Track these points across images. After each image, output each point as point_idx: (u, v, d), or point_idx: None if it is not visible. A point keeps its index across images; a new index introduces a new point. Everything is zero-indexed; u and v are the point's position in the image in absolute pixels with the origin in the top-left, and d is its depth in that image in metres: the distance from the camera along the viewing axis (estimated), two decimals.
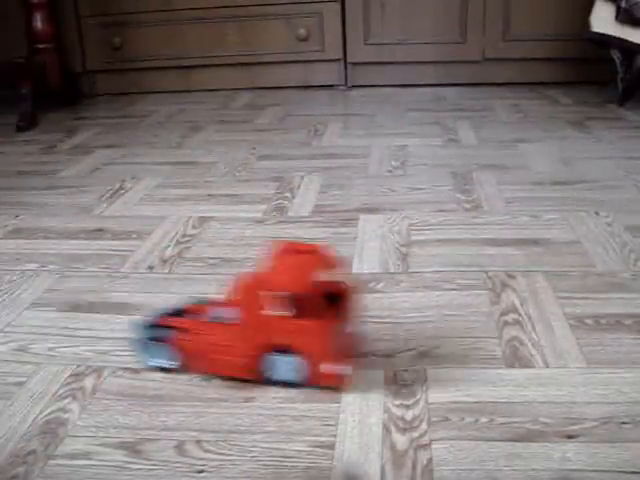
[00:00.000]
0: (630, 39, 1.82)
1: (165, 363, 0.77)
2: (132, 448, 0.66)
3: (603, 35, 1.86)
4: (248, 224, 1.20)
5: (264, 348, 0.72)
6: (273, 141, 1.75)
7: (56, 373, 0.78)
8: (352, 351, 0.76)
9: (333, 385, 0.72)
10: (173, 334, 0.75)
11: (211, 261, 1.06)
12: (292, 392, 0.73)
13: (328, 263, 0.74)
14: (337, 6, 2.26)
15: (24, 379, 0.78)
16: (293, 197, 1.33)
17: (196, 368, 0.76)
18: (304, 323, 0.70)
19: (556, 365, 0.75)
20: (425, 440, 0.65)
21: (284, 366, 0.72)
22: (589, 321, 0.84)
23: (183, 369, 0.76)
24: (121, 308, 0.93)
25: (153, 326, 0.77)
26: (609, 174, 1.37)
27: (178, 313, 0.79)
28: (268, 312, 0.70)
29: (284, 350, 0.71)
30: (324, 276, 0.73)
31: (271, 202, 1.30)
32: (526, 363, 0.76)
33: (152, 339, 0.77)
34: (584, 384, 0.72)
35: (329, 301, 0.73)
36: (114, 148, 1.75)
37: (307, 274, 0.71)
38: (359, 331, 0.72)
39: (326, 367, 0.71)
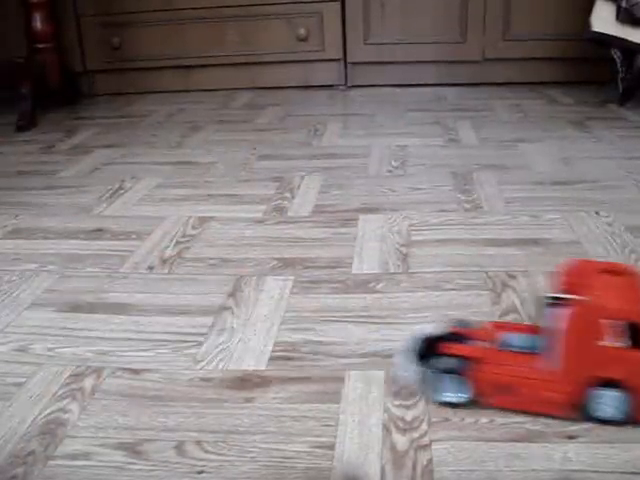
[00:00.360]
0: (630, 39, 1.82)
1: (455, 397, 0.69)
2: (132, 449, 0.66)
3: (603, 35, 1.86)
4: (248, 224, 1.20)
5: (589, 382, 0.65)
6: (273, 141, 1.74)
7: (56, 373, 0.78)
8: None
9: None
10: (468, 365, 0.68)
11: (211, 261, 1.06)
12: (292, 392, 0.73)
13: None
14: (337, 6, 2.26)
15: (24, 379, 0.77)
16: (293, 197, 1.32)
17: (494, 402, 0.68)
18: None
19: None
20: (425, 441, 0.65)
21: (612, 402, 0.65)
22: None
23: (475, 402, 0.68)
24: (121, 308, 0.93)
25: (435, 355, 0.69)
26: (609, 174, 1.37)
27: (453, 338, 0.71)
28: (605, 343, 0.63)
29: (610, 385, 0.64)
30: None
31: (271, 202, 1.30)
32: None
33: (444, 371, 0.68)
34: None
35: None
36: (114, 148, 1.75)
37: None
38: None
39: None
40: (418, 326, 0.78)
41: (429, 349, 0.70)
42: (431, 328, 0.73)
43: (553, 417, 0.65)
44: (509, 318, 0.85)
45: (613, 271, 0.67)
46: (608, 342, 0.63)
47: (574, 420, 0.66)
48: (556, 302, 0.67)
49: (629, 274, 0.67)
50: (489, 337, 0.71)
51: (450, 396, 0.69)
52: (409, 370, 0.70)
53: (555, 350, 0.65)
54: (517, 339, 0.71)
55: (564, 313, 0.64)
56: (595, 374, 0.64)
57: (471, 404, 0.69)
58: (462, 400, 0.69)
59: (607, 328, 0.63)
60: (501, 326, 0.75)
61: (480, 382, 0.68)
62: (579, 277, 0.68)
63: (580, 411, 0.66)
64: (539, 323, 0.70)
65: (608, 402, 0.65)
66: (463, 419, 0.67)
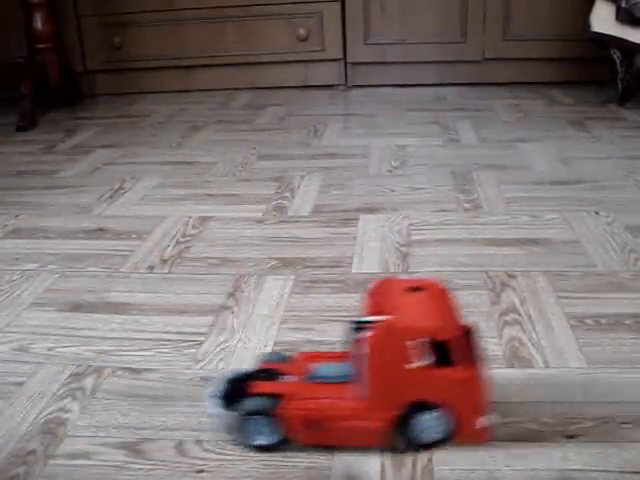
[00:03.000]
0: (630, 39, 1.82)
1: (266, 439, 0.64)
2: (132, 448, 0.66)
3: (603, 35, 1.86)
4: (248, 224, 1.20)
5: (403, 407, 0.61)
6: (273, 141, 1.75)
7: (56, 373, 0.78)
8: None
9: (482, 441, 0.63)
10: (276, 403, 0.63)
11: (211, 261, 1.06)
12: None
13: (451, 299, 0.64)
14: (337, 6, 2.26)
15: (24, 379, 0.78)
16: (293, 197, 1.33)
17: (306, 440, 0.64)
18: (458, 374, 0.60)
19: (556, 365, 0.75)
20: None
21: (431, 424, 0.62)
22: (589, 321, 0.84)
23: (288, 442, 0.64)
24: (121, 308, 0.93)
25: (242, 396, 0.64)
26: (609, 174, 1.37)
27: (261, 375, 0.66)
28: (412, 364, 0.60)
29: (424, 406, 0.61)
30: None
31: (271, 202, 1.30)
32: (526, 363, 0.76)
33: (252, 413, 0.63)
34: (584, 384, 0.72)
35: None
36: (114, 148, 1.75)
37: (450, 315, 0.62)
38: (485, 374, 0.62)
39: (481, 421, 0.62)
40: (228, 368, 0.75)
41: (237, 390, 0.65)
42: (240, 369, 0.69)
43: (372, 448, 0.62)
44: (509, 318, 0.85)
45: (419, 287, 0.63)
46: (415, 363, 0.59)
47: (390, 450, 0.63)
48: (361, 326, 0.62)
49: (435, 289, 0.63)
50: (299, 370, 0.66)
51: (261, 439, 0.63)
52: (217, 415, 0.65)
53: (363, 377, 0.61)
54: (328, 369, 0.65)
55: (366, 337, 0.59)
56: (406, 398, 0.61)
57: (285, 445, 0.64)
58: (274, 442, 0.63)
59: (412, 348, 0.59)
60: (311, 357, 0.68)
61: (289, 420, 0.62)
62: (384, 297, 0.63)
63: (399, 438, 0.62)
64: (348, 349, 0.64)
65: (429, 424, 0.62)
66: None
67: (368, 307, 0.64)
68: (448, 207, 1.24)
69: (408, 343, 0.59)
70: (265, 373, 0.66)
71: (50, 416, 0.71)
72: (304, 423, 0.62)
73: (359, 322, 0.63)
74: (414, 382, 0.60)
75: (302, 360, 0.68)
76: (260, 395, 0.63)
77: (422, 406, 0.61)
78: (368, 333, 0.60)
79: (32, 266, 1.07)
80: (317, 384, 0.64)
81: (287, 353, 0.70)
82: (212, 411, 0.65)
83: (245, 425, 0.63)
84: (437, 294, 0.63)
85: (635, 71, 1.86)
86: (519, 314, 0.86)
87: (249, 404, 0.63)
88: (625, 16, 1.80)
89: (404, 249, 1.07)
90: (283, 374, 0.66)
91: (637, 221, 1.13)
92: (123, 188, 1.43)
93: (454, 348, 0.60)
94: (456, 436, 0.62)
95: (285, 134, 1.81)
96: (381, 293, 0.64)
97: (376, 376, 0.60)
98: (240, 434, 0.64)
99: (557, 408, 0.68)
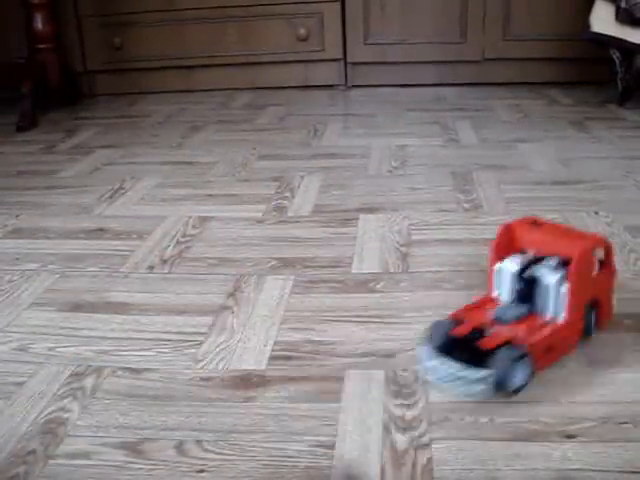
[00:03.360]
0: (630, 39, 1.82)
1: (522, 379, 0.70)
2: (132, 448, 0.66)
3: (603, 35, 1.86)
4: (248, 224, 1.20)
5: (585, 309, 0.78)
6: (273, 141, 1.75)
7: (56, 373, 0.78)
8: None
9: (611, 319, 0.82)
10: (524, 344, 0.70)
11: (211, 261, 1.06)
12: (292, 392, 0.73)
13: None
14: (337, 6, 2.26)
15: (24, 379, 0.78)
16: (293, 197, 1.33)
17: (542, 365, 0.73)
18: (611, 274, 0.81)
19: (556, 365, 0.75)
20: (425, 440, 0.65)
21: (593, 318, 0.79)
22: None
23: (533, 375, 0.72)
24: (121, 308, 0.93)
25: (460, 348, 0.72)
26: (609, 174, 1.37)
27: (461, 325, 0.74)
28: (594, 272, 0.78)
29: (594, 305, 0.79)
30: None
31: (271, 202, 1.31)
32: None
33: (515, 360, 0.69)
34: (584, 384, 0.72)
35: None
36: (114, 148, 1.75)
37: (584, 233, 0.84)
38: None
39: (612, 306, 0.82)
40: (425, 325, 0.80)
41: (451, 343, 0.72)
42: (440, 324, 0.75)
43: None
44: None
45: (536, 222, 0.82)
46: (594, 271, 0.77)
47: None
48: (528, 267, 0.77)
49: (544, 221, 0.83)
50: (483, 317, 0.76)
51: (518, 380, 0.70)
52: (433, 368, 0.71)
53: (554, 305, 0.76)
54: (507, 310, 0.76)
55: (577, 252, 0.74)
56: (586, 301, 0.77)
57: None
58: (527, 379, 0.71)
59: (594, 259, 0.77)
60: (482, 304, 0.81)
61: (536, 354, 0.71)
62: (520, 236, 0.81)
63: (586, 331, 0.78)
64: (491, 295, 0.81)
65: (591, 319, 0.79)
66: (463, 418, 0.68)
67: (500, 252, 0.80)
68: (448, 207, 1.24)
69: (594, 255, 0.76)
70: (459, 321, 0.76)
71: (50, 416, 0.71)
72: (544, 351, 0.73)
73: (522, 268, 0.77)
74: (593, 287, 0.78)
75: (482, 307, 0.79)
76: (504, 344, 0.70)
77: (593, 305, 0.78)
78: (580, 248, 0.74)
79: (32, 266, 1.07)
80: (516, 322, 0.75)
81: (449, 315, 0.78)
82: (428, 364, 0.72)
83: (504, 373, 0.68)
84: (552, 224, 0.84)
85: (635, 71, 1.87)
86: None
87: (509, 353, 0.69)
88: (625, 16, 1.81)
89: (404, 249, 1.07)
90: (477, 320, 0.76)
91: (637, 221, 1.13)
92: (123, 188, 1.43)
93: (608, 254, 0.79)
94: (601, 321, 0.80)
95: (285, 134, 1.81)
96: (511, 237, 0.81)
97: (577, 286, 0.74)
98: (498, 381, 0.69)
99: (557, 408, 0.68)
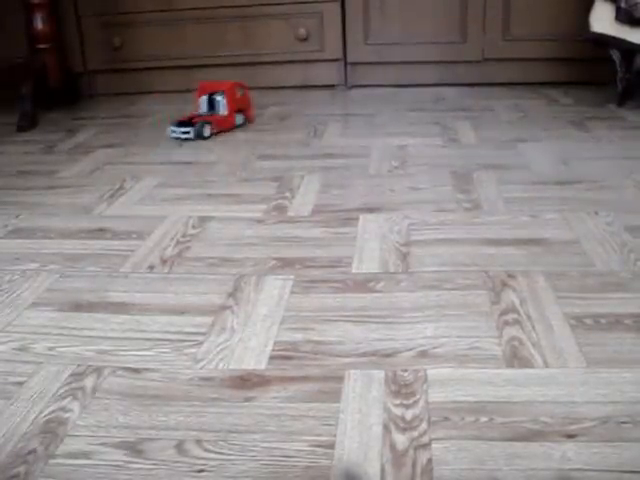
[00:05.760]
0: (629, 39, 1.83)
1: None
2: (132, 448, 0.66)
3: (603, 35, 1.86)
4: (248, 224, 1.20)
5: None
6: (273, 141, 1.75)
7: (56, 373, 0.78)
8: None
9: None
10: None
11: (211, 261, 1.06)
12: (292, 392, 0.73)
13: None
14: (337, 6, 2.26)
15: (24, 379, 0.78)
16: (293, 197, 1.33)
17: None
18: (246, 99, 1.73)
19: (556, 365, 0.76)
20: (425, 440, 0.65)
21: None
22: (589, 321, 0.84)
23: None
24: (121, 308, 0.93)
25: None
26: (609, 174, 1.37)
27: None
28: None
29: None
30: None
31: (271, 202, 1.31)
32: (526, 363, 0.76)
33: None
34: (584, 384, 0.72)
35: None
36: (114, 148, 1.75)
37: None
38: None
39: None
40: None
41: None
42: None
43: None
44: (509, 318, 0.86)
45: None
46: None
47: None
48: None
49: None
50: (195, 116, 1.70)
51: (207, 132, 1.61)
52: None
53: (221, 108, 1.80)
54: (201, 112, 1.84)
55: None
56: None
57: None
58: (211, 133, 1.61)
59: None
60: (194, 114, 1.72)
61: (213, 123, 1.75)
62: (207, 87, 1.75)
63: None
64: None
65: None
66: (463, 418, 0.68)
67: (202, 92, 1.69)
68: (448, 207, 1.24)
69: (236, 89, 1.61)
70: None
71: (50, 416, 0.71)
72: (216, 124, 1.59)
73: (209, 95, 1.77)
74: (239, 102, 1.67)
75: (192, 114, 1.70)
76: (200, 121, 1.66)
77: (238, 111, 1.74)
78: (229, 85, 1.71)
79: (32, 266, 1.07)
80: (207, 116, 1.53)
81: None
82: (169, 130, 1.50)
83: (199, 128, 1.56)
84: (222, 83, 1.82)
85: (634, 71, 1.87)
86: (519, 314, 0.86)
87: (202, 122, 1.44)
88: (625, 16, 1.81)
89: (404, 249, 1.07)
90: None
91: (637, 221, 1.13)
92: (123, 188, 1.43)
93: (245, 90, 1.58)
94: (249, 119, 1.77)
95: (285, 134, 1.81)
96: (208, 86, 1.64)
97: (229, 100, 1.71)
98: None
99: (557, 408, 0.68)
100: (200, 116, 1.80)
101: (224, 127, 1.81)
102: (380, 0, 2.23)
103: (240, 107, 1.86)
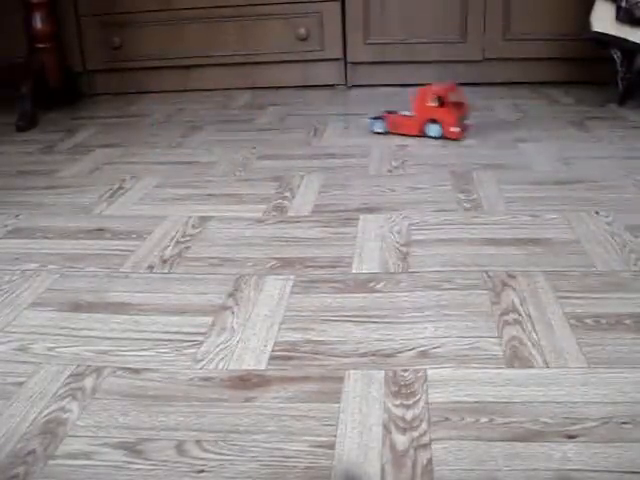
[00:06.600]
0: (630, 39, 1.82)
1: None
2: (132, 448, 0.66)
3: (603, 35, 1.86)
4: (248, 224, 1.20)
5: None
6: (273, 141, 1.75)
7: (56, 373, 0.78)
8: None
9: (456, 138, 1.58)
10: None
11: (211, 261, 1.06)
12: (292, 392, 0.73)
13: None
14: (337, 6, 2.26)
15: (24, 379, 0.78)
16: (293, 197, 1.33)
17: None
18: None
19: (556, 365, 0.75)
20: (425, 440, 0.65)
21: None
22: (589, 321, 0.84)
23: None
24: (121, 308, 0.93)
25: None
26: (609, 174, 1.37)
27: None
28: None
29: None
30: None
31: (271, 202, 1.30)
32: (526, 363, 0.76)
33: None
34: (584, 384, 0.72)
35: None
36: (114, 148, 1.75)
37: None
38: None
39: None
40: None
41: None
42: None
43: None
44: (509, 318, 0.86)
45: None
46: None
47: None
48: None
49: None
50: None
51: (379, 128, 1.67)
52: None
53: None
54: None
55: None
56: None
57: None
58: (384, 130, 1.67)
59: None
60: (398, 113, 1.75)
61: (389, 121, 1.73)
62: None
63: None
64: None
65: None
66: (463, 418, 0.68)
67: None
68: (448, 207, 1.24)
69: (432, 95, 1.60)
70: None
71: (50, 416, 0.71)
72: (396, 124, 1.69)
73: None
74: (430, 112, 1.64)
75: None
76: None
77: (432, 121, 1.68)
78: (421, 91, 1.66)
79: (32, 266, 1.07)
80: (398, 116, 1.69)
81: None
82: (369, 123, 1.70)
83: (372, 121, 1.70)
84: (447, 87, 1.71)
85: (635, 71, 1.86)
86: (519, 314, 0.86)
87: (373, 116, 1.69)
88: (625, 16, 1.80)
89: (404, 249, 1.07)
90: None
91: (637, 221, 1.13)
92: (123, 188, 1.43)
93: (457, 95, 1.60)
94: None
95: (285, 134, 1.81)
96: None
97: (417, 105, 1.67)
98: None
99: (557, 408, 0.68)
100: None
101: (405, 131, 1.70)
102: (380, 0, 2.23)
103: (436, 116, 1.66)
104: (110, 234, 1.19)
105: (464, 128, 1.64)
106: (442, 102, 1.62)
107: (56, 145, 1.82)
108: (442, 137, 1.63)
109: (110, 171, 1.56)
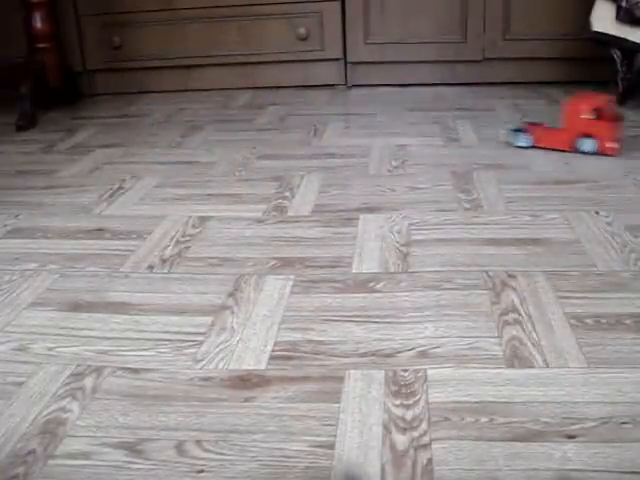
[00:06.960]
0: (630, 38, 1.82)
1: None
2: (132, 448, 0.66)
3: (603, 34, 1.86)
4: (248, 224, 1.20)
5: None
6: (273, 141, 1.75)
7: (56, 373, 0.78)
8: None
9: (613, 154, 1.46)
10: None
11: (211, 261, 1.06)
12: (292, 392, 0.73)
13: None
14: (337, 6, 2.26)
15: (24, 379, 0.78)
16: (293, 197, 1.33)
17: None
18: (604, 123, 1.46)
19: (556, 365, 0.75)
20: (425, 440, 0.65)
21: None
22: (589, 321, 0.84)
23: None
24: (121, 308, 0.93)
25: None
26: (609, 174, 1.37)
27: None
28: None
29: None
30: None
31: (271, 202, 1.30)
32: (526, 363, 0.76)
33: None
34: (584, 384, 0.72)
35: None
36: (114, 147, 1.75)
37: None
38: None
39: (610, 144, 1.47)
40: None
41: None
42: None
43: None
44: (509, 318, 0.86)
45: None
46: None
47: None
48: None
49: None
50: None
51: (523, 142, 1.52)
52: None
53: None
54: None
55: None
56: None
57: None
58: (528, 144, 1.55)
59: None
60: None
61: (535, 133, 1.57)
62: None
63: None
64: None
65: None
66: (463, 418, 0.68)
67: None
68: (448, 207, 1.24)
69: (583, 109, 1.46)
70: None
71: (50, 416, 0.71)
72: (542, 136, 1.52)
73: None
74: (583, 125, 1.49)
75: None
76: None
77: (585, 135, 1.50)
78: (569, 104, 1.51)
79: (32, 266, 1.07)
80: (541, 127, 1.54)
81: None
82: (512, 137, 1.61)
83: (513, 133, 1.51)
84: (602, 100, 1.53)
85: (635, 71, 1.86)
86: (519, 314, 0.86)
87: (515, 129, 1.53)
88: (625, 16, 1.80)
89: (404, 249, 1.07)
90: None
91: (637, 221, 1.13)
92: (123, 188, 1.43)
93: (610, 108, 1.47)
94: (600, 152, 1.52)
95: (285, 134, 1.81)
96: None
97: (567, 120, 1.51)
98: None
99: (557, 408, 0.68)
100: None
101: (552, 145, 1.53)
102: (380, 0, 2.23)
103: (592, 130, 1.48)
104: (110, 234, 1.19)
105: (620, 144, 1.48)
106: (599, 115, 1.46)
107: (56, 145, 1.82)
108: (596, 153, 1.47)
109: (110, 171, 1.56)
